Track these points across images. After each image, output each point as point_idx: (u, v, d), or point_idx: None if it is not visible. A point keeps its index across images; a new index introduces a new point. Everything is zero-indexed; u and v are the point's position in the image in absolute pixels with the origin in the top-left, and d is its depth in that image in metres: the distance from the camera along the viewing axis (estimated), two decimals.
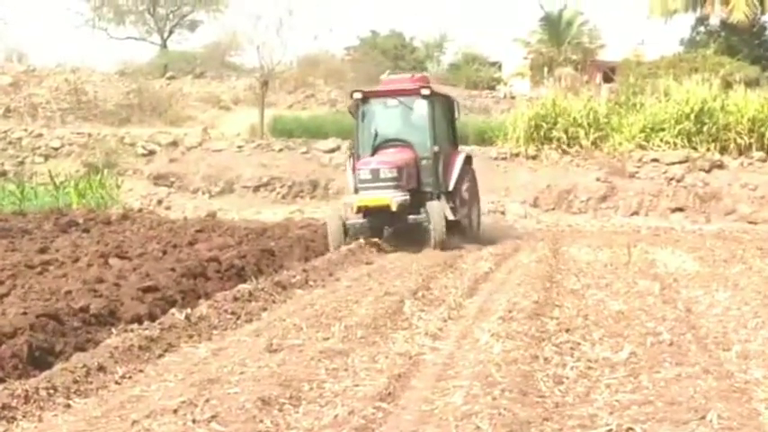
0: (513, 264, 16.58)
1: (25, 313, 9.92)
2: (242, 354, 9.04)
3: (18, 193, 26.08)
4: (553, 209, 27.32)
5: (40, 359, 8.82)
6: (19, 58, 60.71)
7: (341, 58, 58.35)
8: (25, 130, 39.11)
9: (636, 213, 27.04)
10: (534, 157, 29.45)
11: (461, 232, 19.41)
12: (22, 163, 36.14)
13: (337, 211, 19.70)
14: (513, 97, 50.37)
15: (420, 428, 6.70)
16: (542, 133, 29.96)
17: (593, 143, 29.60)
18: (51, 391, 7.59)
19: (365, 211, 18.52)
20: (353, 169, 19.49)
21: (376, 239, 18.72)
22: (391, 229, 19.31)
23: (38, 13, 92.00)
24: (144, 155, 32.86)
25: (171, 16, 63.16)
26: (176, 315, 10.46)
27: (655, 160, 28.48)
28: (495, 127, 32.26)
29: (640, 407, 7.13)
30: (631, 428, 6.61)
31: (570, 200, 27.59)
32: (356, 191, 19.09)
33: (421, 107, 19.66)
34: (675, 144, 29.13)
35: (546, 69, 45.96)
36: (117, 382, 8.19)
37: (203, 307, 11.16)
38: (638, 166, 28.45)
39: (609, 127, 30.23)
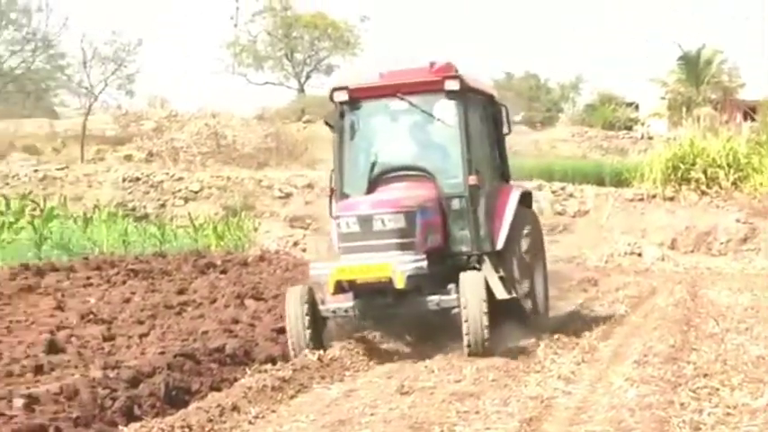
0: (649, 307, 16.24)
1: (163, 353, 10.21)
2: (373, 395, 9.06)
3: (159, 236, 26.63)
4: (692, 251, 26.73)
5: (176, 398, 9.03)
6: (161, 104, 62.48)
7: None
8: (167, 173, 40.18)
9: None
10: (672, 199, 28.89)
11: (519, 316, 12.22)
12: (163, 206, 37.13)
13: (302, 288, 11.66)
14: (650, 138, 49.72)
15: None
16: (680, 174, 29.38)
17: (734, 184, 28.91)
18: (186, 430, 7.73)
19: (351, 287, 11.33)
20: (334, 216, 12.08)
21: (369, 333, 12.40)
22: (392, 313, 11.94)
23: (180, 59, 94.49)
24: (281, 197, 33.34)
25: (308, 61, 64.30)
26: (309, 356, 10.57)
27: None
28: (632, 168, 31.84)
29: None
30: None
31: (709, 242, 26.95)
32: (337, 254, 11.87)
33: (446, 112, 12.20)
34: None
35: (684, 109, 45.28)
36: (250, 422, 8.28)
37: (336, 348, 11.24)
38: None
39: (749, 167, 29.49)
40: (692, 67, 59.06)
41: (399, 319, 12.17)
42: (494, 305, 11.15)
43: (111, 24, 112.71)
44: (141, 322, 12.77)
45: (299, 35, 63.15)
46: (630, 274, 22.63)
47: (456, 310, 11.13)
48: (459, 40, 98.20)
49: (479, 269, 11.83)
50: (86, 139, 53.67)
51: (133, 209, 35.71)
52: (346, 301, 11.48)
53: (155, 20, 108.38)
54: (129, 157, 50.75)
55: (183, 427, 7.74)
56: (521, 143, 54.28)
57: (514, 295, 11.99)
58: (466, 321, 10.80)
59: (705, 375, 9.76)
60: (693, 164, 29.60)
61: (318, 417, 8.35)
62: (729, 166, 29.40)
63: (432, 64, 12.69)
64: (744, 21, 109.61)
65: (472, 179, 11.94)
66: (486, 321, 10.77)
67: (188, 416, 8.03)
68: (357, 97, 12.55)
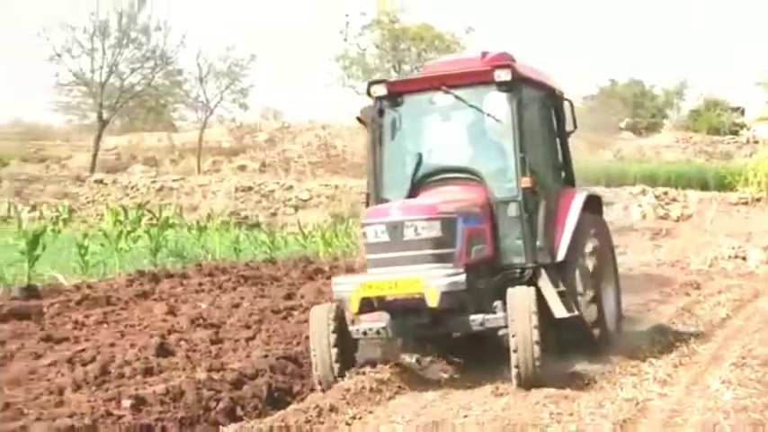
0: (752, 310, 15.80)
1: (267, 356, 10.31)
2: (468, 397, 8.95)
3: (269, 243, 26.92)
4: None
5: (278, 399, 9.15)
6: (274, 116, 63.03)
7: (579, 108, 58.22)
8: (277, 183, 40.65)
9: None
10: None
11: (584, 336, 10.44)
12: (274, 214, 37.59)
13: (329, 307, 9.84)
14: (756, 142, 48.66)
15: None
16: None
17: None
18: (284, 431, 7.74)
19: (381, 305, 9.66)
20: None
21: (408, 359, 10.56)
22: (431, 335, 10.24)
23: (292, 73, 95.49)
24: None
25: (415, 72, 64.15)
26: (407, 359, 10.48)
27: None
28: (736, 172, 31.23)
29: None
30: None
31: None
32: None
33: (497, 106, 10.21)
34: None
35: None
36: (347, 423, 8.27)
37: (434, 352, 11.12)
38: None
39: None
40: None
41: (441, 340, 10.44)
42: (553, 324, 9.69)
43: (225, 40, 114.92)
44: (248, 326, 12.86)
45: (407, 47, 63.05)
46: (734, 278, 22.00)
47: (503, 331, 9.22)
48: (564, 48, 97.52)
49: (535, 284, 9.97)
50: (202, 150, 54.62)
51: (245, 217, 36.25)
52: (379, 321, 9.67)
53: (267, 35, 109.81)
54: (242, 168, 51.48)
55: (281, 427, 7.77)
56: (625, 149, 53.81)
57: (576, 313, 10.09)
58: (515, 349, 8.88)
59: None
60: None
61: (414, 417, 8.31)
62: None
63: (484, 54, 10.90)
64: None
65: (526, 181, 10.05)
66: (537, 347, 8.82)
67: (287, 417, 8.07)
68: (397, 91, 10.71)
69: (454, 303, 9.15)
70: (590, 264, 10.61)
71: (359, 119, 11.10)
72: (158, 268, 20.09)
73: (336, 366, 9.36)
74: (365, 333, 9.70)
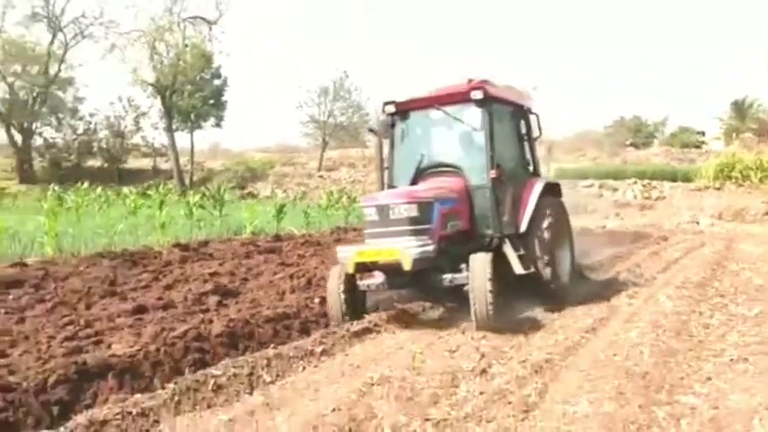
0: (697, 254, 14.86)
1: None
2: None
3: None
4: (732, 220, 24.37)
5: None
6: None
7: (601, 133, 56.28)
8: None
9: None
10: (719, 189, 26.59)
11: (539, 287, 8.21)
12: None
13: (341, 267, 7.59)
14: (710, 152, 46.19)
15: (605, 351, 6.16)
16: (725, 173, 27.08)
17: (760, 180, 26.32)
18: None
19: (376, 267, 7.49)
20: None
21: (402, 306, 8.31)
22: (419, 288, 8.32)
23: None
24: None
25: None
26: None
27: None
28: (694, 170, 29.71)
29: (757, 345, 6.21)
30: (746, 358, 5.78)
31: (743, 214, 24.52)
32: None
33: (473, 117, 8.16)
34: None
35: (734, 135, 41.66)
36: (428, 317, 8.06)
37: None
38: None
39: None
40: (740, 108, 54.53)
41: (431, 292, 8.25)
42: (516, 279, 7.84)
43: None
44: None
45: None
46: (690, 234, 20.88)
47: (467, 287, 7.06)
48: (598, 98, 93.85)
49: (501, 249, 7.96)
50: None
51: None
52: (379, 278, 7.81)
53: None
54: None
55: (390, 316, 7.74)
56: (629, 157, 51.51)
57: (533, 270, 7.99)
58: (473, 302, 6.90)
59: (721, 296, 8.88)
60: (733, 168, 27.22)
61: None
62: (758, 168, 26.83)
63: (469, 80, 8.51)
64: None
65: (493, 173, 7.92)
66: (490, 298, 6.83)
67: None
68: (403, 109, 8.62)
69: (427, 266, 7.07)
70: (546, 233, 8.32)
71: (370, 129, 8.68)
72: (348, 225, 20.36)
73: (344, 308, 7.51)
74: (368, 286, 7.78)
